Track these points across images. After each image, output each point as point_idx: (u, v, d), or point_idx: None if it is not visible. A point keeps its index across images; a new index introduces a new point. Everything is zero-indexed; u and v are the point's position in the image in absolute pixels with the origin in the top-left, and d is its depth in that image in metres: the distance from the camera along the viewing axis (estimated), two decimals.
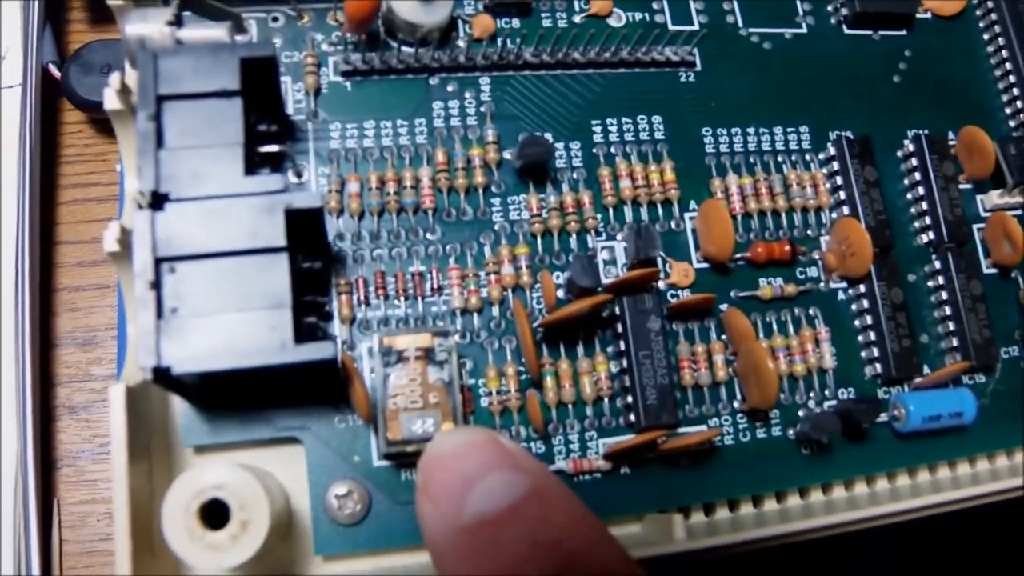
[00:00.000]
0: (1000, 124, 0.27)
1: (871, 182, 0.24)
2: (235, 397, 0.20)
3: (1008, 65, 0.27)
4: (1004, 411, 0.24)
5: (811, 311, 0.23)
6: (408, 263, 0.21)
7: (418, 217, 0.22)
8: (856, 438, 0.23)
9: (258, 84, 0.20)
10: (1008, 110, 0.27)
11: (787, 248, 0.23)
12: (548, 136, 0.23)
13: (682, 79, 0.24)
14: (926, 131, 0.25)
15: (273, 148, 0.20)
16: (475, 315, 0.21)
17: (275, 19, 0.22)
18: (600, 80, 0.24)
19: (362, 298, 0.21)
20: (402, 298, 0.21)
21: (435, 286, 0.21)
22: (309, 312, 0.20)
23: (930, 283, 0.25)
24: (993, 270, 0.25)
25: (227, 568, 0.18)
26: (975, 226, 0.25)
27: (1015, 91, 0.27)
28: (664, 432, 0.21)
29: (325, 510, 0.20)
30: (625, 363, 0.21)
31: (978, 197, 0.26)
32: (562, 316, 0.20)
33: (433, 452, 0.15)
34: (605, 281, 0.22)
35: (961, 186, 0.26)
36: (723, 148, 0.24)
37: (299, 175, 0.22)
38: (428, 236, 0.21)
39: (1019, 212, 0.26)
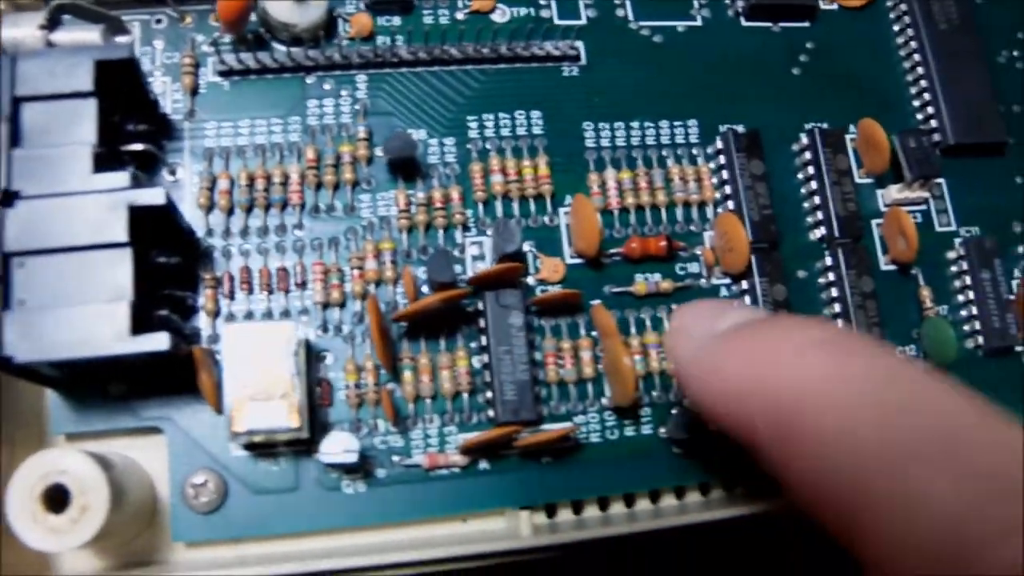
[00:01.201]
0: (907, 118, 0.26)
1: (757, 176, 0.24)
2: (99, 386, 0.21)
3: (917, 57, 0.26)
4: None
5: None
6: (274, 258, 0.22)
7: (286, 213, 0.22)
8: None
9: (122, 85, 0.21)
10: (916, 103, 0.26)
11: (663, 243, 0.23)
12: (422, 132, 0.23)
13: (565, 74, 0.24)
14: (825, 125, 0.25)
15: (138, 147, 0.21)
16: (337, 309, 0.21)
17: (158, 21, 0.23)
18: (479, 76, 0.24)
19: (227, 292, 0.21)
20: (266, 292, 0.21)
21: (299, 281, 0.22)
22: (166, 305, 0.20)
23: (821, 279, 0.24)
24: (892, 267, 0.25)
25: (67, 548, 0.19)
26: (875, 221, 0.25)
27: (923, 83, 0.26)
28: (520, 428, 0.21)
29: (183, 498, 0.20)
30: (486, 358, 0.21)
31: (878, 192, 0.25)
32: (415, 310, 0.21)
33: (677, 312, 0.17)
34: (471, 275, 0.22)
35: (860, 180, 0.25)
36: (604, 143, 0.24)
37: (173, 173, 0.22)
38: (296, 232, 0.22)
39: (923, 207, 0.26)
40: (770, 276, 0.23)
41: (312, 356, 0.21)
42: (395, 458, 0.21)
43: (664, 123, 0.24)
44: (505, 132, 0.23)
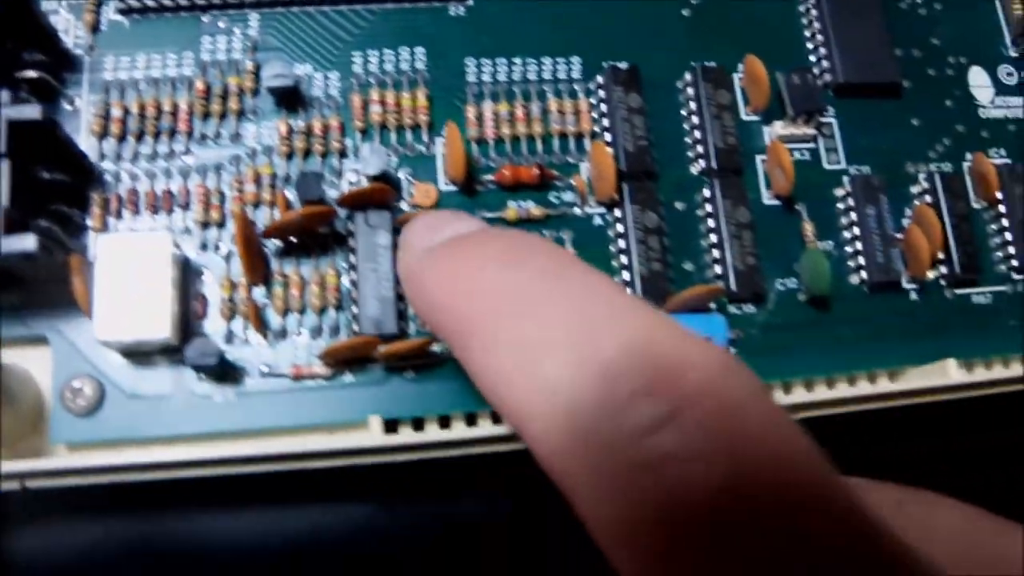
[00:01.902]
0: (803, 59, 0.26)
1: (634, 108, 0.24)
2: None
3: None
4: (773, 344, 0.24)
5: (561, 234, 0.24)
6: (160, 182, 0.23)
7: (174, 140, 0.23)
8: None
9: (18, 18, 0.22)
10: (810, 44, 0.27)
11: (535, 172, 0.23)
12: (308, 67, 0.24)
13: (452, 13, 0.25)
14: (713, 63, 0.25)
15: (31, 74, 0.23)
16: (216, 228, 0.23)
17: None
18: (367, 15, 0.25)
19: (114, 212, 0.23)
20: (150, 213, 0.23)
21: (182, 203, 0.23)
22: (52, 219, 0.22)
23: (699, 211, 0.24)
24: (776, 201, 0.25)
25: None
26: (760, 157, 0.25)
27: (816, 24, 0.26)
28: (378, 341, 0.21)
29: (62, 401, 0.22)
30: (355, 275, 0.22)
31: (764, 129, 0.26)
32: (280, 224, 0.22)
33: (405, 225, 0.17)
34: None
35: (748, 118, 0.25)
36: (486, 78, 0.25)
37: (71, 103, 0.24)
38: (183, 158, 0.23)
39: (811, 145, 0.26)
40: (641, 204, 0.23)
41: (190, 272, 0.22)
42: (263, 368, 0.22)
43: (547, 59, 0.25)
44: (389, 67, 0.24)
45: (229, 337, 0.22)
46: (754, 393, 0.12)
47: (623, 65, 0.25)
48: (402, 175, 0.23)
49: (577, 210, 0.24)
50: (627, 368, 0.11)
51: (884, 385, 0.24)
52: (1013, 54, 0.29)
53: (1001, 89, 0.28)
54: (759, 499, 0.10)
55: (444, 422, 0.22)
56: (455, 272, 0.14)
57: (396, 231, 0.22)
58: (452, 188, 0.23)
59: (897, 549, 0.11)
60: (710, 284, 0.23)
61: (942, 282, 0.26)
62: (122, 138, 0.23)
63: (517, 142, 0.24)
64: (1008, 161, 0.27)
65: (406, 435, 0.22)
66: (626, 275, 0.23)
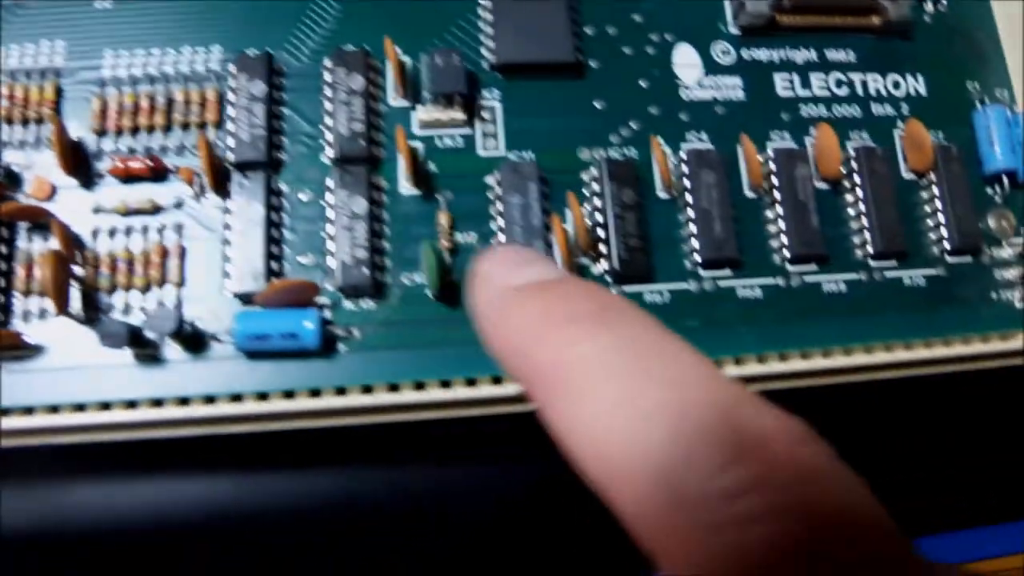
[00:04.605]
0: (470, 41, 0.25)
1: (255, 96, 0.23)
2: None
3: None
4: (394, 342, 0.22)
5: (176, 224, 0.23)
6: None
7: None
8: (196, 349, 0.22)
9: None
10: (479, 24, 0.25)
11: (150, 163, 0.23)
12: None
13: (97, 6, 0.25)
14: (352, 47, 0.24)
15: None
16: None
17: None
18: (16, 10, 0.25)
19: None
20: None
21: None
22: None
23: (322, 201, 0.23)
24: (415, 191, 0.23)
25: None
26: (414, 144, 0.24)
27: (483, 3, 0.25)
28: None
29: None
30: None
31: (412, 114, 0.24)
32: None
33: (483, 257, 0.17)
34: None
35: (397, 104, 0.24)
36: (121, 73, 0.24)
37: None
38: None
39: (466, 131, 0.24)
40: (248, 196, 0.22)
41: None
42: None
43: (186, 49, 0.24)
44: (28, 61, 0.24)
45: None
46: (830, 460, 0.13)
47: (252, 52, 0.24)
48: (17, 168, 0.23)
49: (193, 200, 0.23)
50: (718, 435, 0.12)
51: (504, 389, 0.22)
52: (733, 31, 0.26)
53: (712, 69, 0.26)
54: (839, 556, 0.12)
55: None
56: (545, 319, 0.15)
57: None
58: (70, 181, 0.23)
59: None
60: (304, 279, 0.22)
61: (608, 279, 0.23)
62: None
63: (139, 133, 0.24)
64: (711, 147, 0.25)
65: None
66: (231, 267, 0.22)
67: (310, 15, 0.25)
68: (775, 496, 0.12)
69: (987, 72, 0.28)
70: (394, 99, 0.24)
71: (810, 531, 0.12)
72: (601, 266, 0.23)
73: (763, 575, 0.11)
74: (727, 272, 0.24)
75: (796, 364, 0.24)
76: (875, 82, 0.27)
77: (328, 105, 0.24)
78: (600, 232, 0.23)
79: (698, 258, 0.23)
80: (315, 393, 0.22)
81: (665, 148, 0.24)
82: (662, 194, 0.24)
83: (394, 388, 0.22)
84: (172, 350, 0.22)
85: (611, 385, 0.13)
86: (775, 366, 0.23)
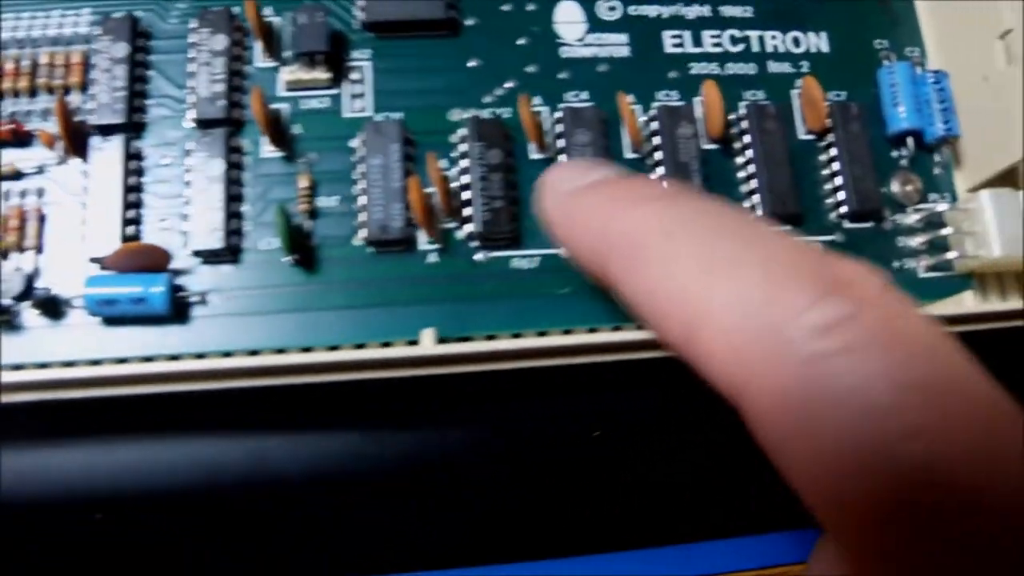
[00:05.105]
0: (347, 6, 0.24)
1: (117, 58, 0.23)
2: None
3: None
4: (252, 308, 0.22)
5: (39, 187, 0.23)
6: None
7: None
8: (55, 316, 0.22)
9: None
10: None
11: (11, 128, 0.23)
12: None
13: None
14: (216, 6, 0.23)
15: None
16: None
17: None
18: None
19: None
20: None
21: None
22: None
23: (181, 165, 0.23)
24: (279, 153, 0.23)
25: None
26: (274, 107, 0.23)
27: None
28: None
29: None
30: None
31: (276, 75, 0.23)
32: None
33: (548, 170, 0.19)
34: None
35: (263, 64, 0.23)
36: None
37: None
38: None
39: (334, 91, 0.23)
40: (106, 157, 0.22)
41: None
42: None
43: (55, 12, 0.24)
44: None
45: None
46: (911, 305, 0.13)
47: (118, 14, 0.23)
48: None
49: (55, 166, 0.23)
50: (805, 275, 0.13)
51: (370, 352, 0.21)
52: None
53: (597, 25, 0.25)
54: (936, 388, 0.12)
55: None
56: (616, 200, 0.16)
57: None
58: None
59: None
60: (153, 243, 0.22)
61: (472, 243, 0.23)
62: None
63: (6, 97, 0.23)
64: (591, 104, 0.24)
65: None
66: (88, 231, 0.22)
67: None
68: (866, 330, 0.12)
69: (897, 30, 0.26)
70: (262, 60, 0.24)
71: (902, 365, 0.12)
72: (465, 229, 0.23)
73: (854, 406, 0.11)
74: None
75: None
76: (774, 39, 0.25)
77: (192, 67, 0.23)
78: (466, 195, 0.23)
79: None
80: (174, 358, 0.22)
81: (538, 108, 0.23)
82: (536, 155, 0.23)
83: (254, 353, 0.22)
84: (30, 316, 0.22)
85: (689, 242, 0.14)
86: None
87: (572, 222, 0.17)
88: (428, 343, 0.21)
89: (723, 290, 0.13)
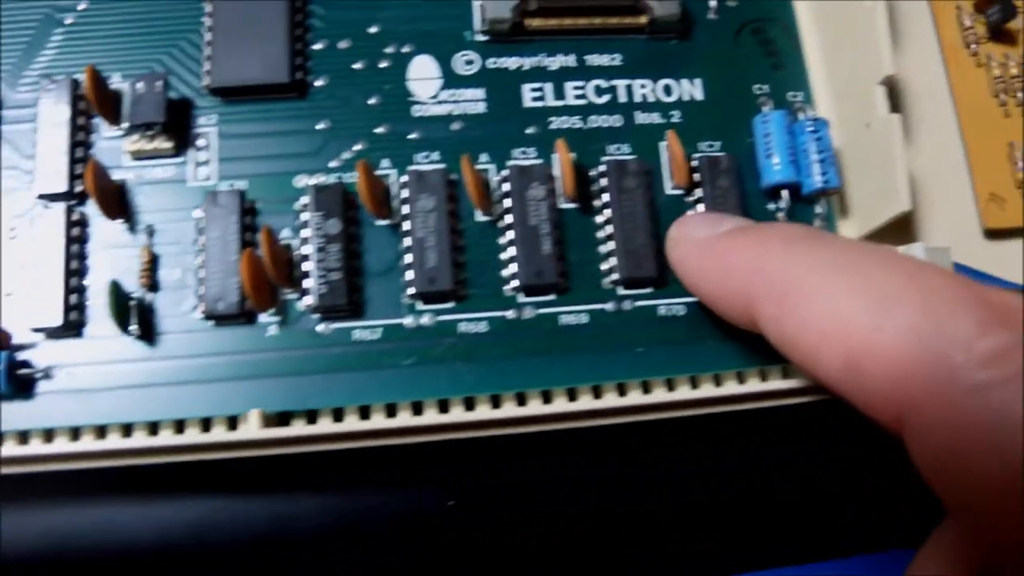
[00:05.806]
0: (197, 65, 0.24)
1: None
2: None
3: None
4: (87, 383, 0.22)
5: None
6: None
7: None
8: None
9: None
10: (204, 50, 0.24)
11: None
12: None
13: None
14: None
15: None
16: None
17: None
18: None
19: None
20: None
21: None
22: None
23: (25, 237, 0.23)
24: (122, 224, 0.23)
25: None
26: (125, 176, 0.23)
27: (207, 22, 0.23)
28: None
29: None
30: None
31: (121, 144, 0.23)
32: None
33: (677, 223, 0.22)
34: None
35: (110, 134, 0.23)
36: None
37: None
38: None
39: (179, 160, 0.23)
40: None
41: None
42: None
43: None
44: None
45: None
46: None
47: None
48: None
49: None
50: (968, 305, 0.13)
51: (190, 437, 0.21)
52: (479, 39, 0.24)
53: (452, 81, 0.24)
54: None
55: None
56: (762, 243, 0.17)
57: None
58: None
59: None
60: None
61: (313, 315, 0.22)
62: None
63: None
64: (442, 165, 0.23)
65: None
66: None
67: (30, 41, 0.24)
68: None
69: (780, 73, 0.25)
70: (106, 129, 0.23)
71: None
72: (305, 301, 0.22)
73: (1019, 433, 0.12)
74: (448, 305, 0.22)
75: (535, 407, 0.22)
76: (643, 88, 0.24)
77: (37, 137, 0.23)
78: (306, 266, 0.22)
79: (412, 291, 0.22)
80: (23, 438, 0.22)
81: (386, 171, 0.22)
82: (381, 222, 0.23)
83: (101, 433, 0.22)
84: None
85: (849, 277, 0.15)
86: (509, 409, 0.22)
87: (714, 266, 0.18)
88: (253, 426, 0.20)
89: (892, 321, 0.14)
